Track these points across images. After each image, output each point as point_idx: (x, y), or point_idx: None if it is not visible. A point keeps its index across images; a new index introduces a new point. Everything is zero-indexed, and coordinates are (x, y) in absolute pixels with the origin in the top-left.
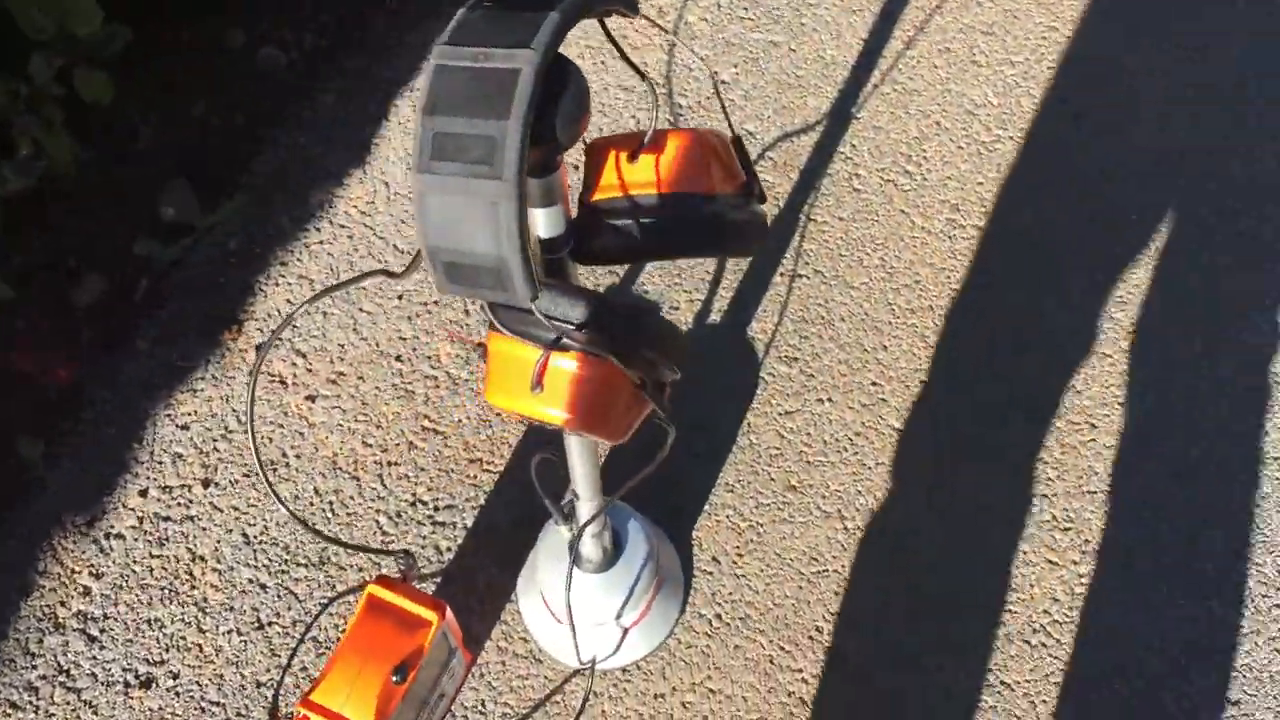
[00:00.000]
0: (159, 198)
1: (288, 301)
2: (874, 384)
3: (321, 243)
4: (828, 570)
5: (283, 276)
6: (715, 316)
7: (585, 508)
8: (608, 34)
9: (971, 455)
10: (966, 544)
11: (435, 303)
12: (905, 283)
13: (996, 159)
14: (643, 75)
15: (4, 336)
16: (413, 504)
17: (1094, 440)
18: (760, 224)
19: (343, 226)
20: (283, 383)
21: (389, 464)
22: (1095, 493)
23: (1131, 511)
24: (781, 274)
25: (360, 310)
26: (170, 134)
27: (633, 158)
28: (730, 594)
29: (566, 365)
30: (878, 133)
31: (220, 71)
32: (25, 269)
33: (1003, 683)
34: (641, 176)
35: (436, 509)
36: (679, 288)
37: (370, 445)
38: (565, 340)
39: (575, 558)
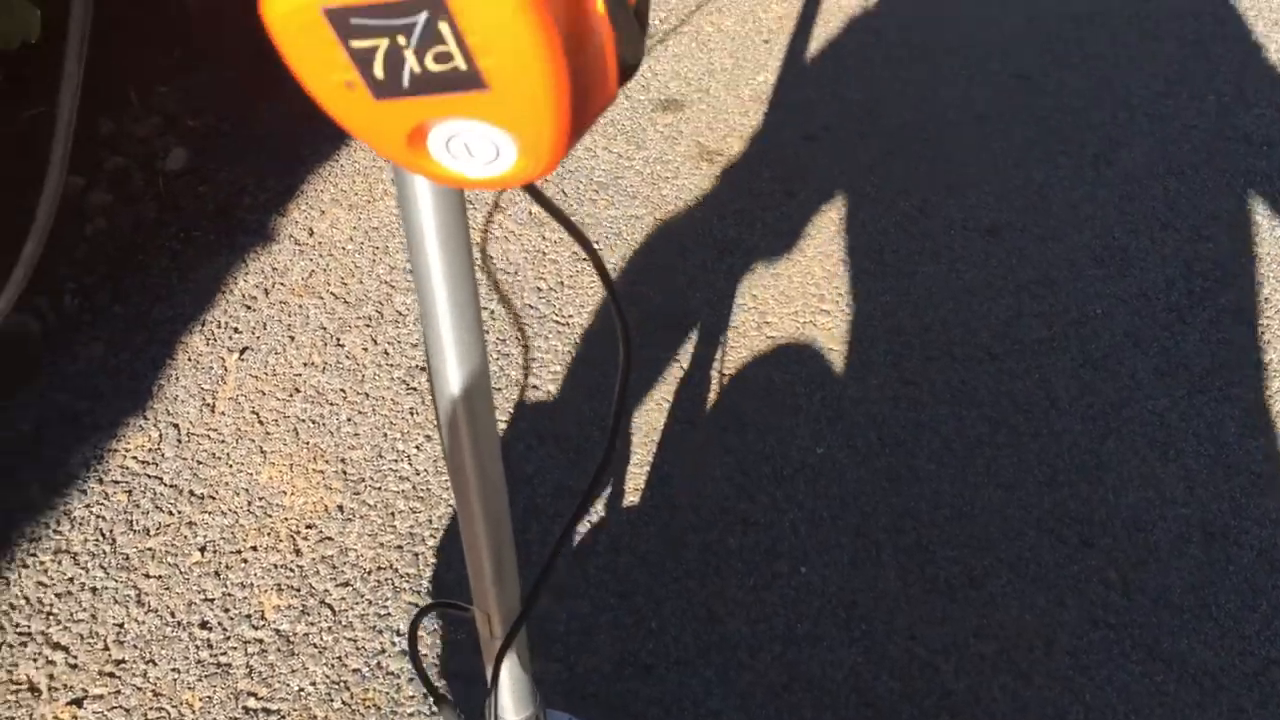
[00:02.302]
0: None
1: (39, 584)
2: None
3: (88, 506)
4: None
5: (32, 555)
6: (634, 497)
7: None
8: None
9: None
10: None
11: (253, 549)
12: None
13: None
14: None
15: None
16: None
17: None
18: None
19: (117, 482)
20: (33, 690)
21: None
22: None
23: None
24: (685, 430)
25: (145, 576)
26: None
27: None
28: None
29: None
30: (776, 279)
31: None
32: None
33: None
34: None
35: None
36: (578, 469)
37: None
38: None
39: None
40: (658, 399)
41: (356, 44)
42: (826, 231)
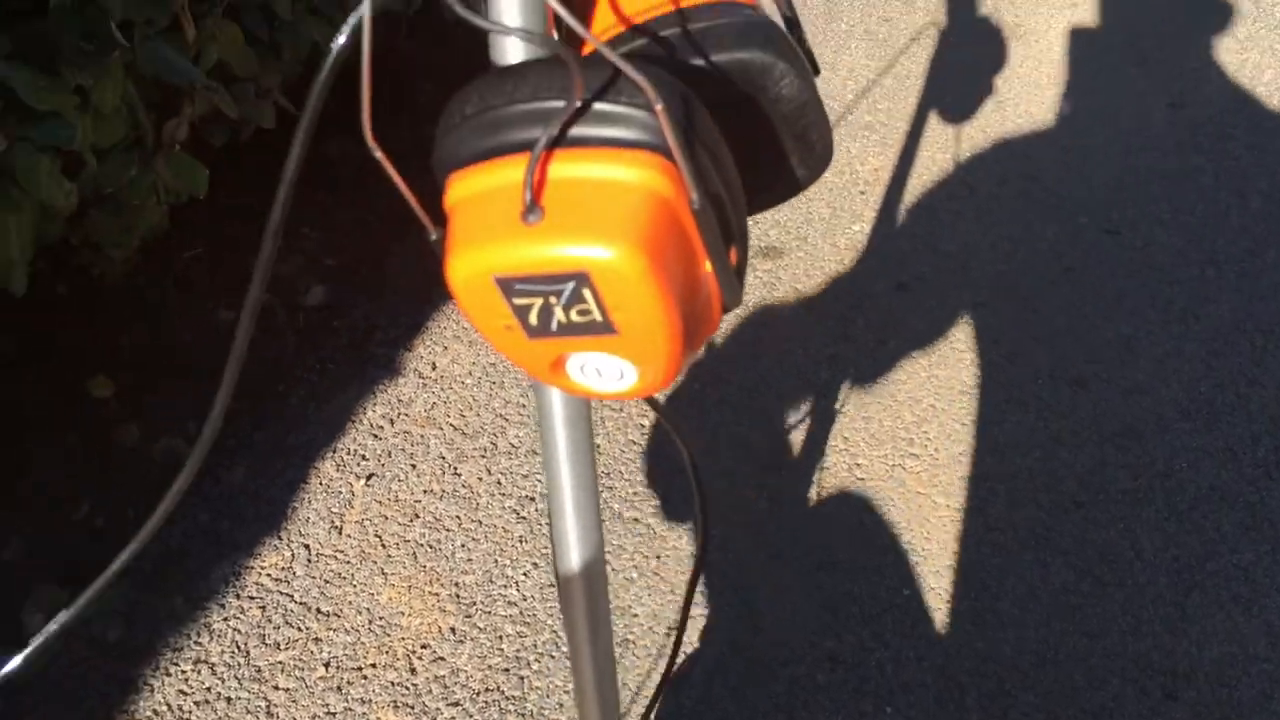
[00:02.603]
0: (23, 605)
1: (180, 692)
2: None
3: (226, 619)
4: None
5: (174, 665)
6: (727, 631)
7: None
8: None
9: None
10: None
11: (372, 666)
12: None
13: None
14: None
15: None
16: None
17: None
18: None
19: (253, 598)
20: None
21: None
22: None
23: None
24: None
25: (275, 688)
26: (45, 542)
27: None
28: None
29: (587, 169)
30: (868, 423)
31: (108, 470)
32: None
33: None
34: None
35: None
36: (672, 602)
37: None
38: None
39: None
40: (751, 534)
41: (518, 301)
42: (917, 378)
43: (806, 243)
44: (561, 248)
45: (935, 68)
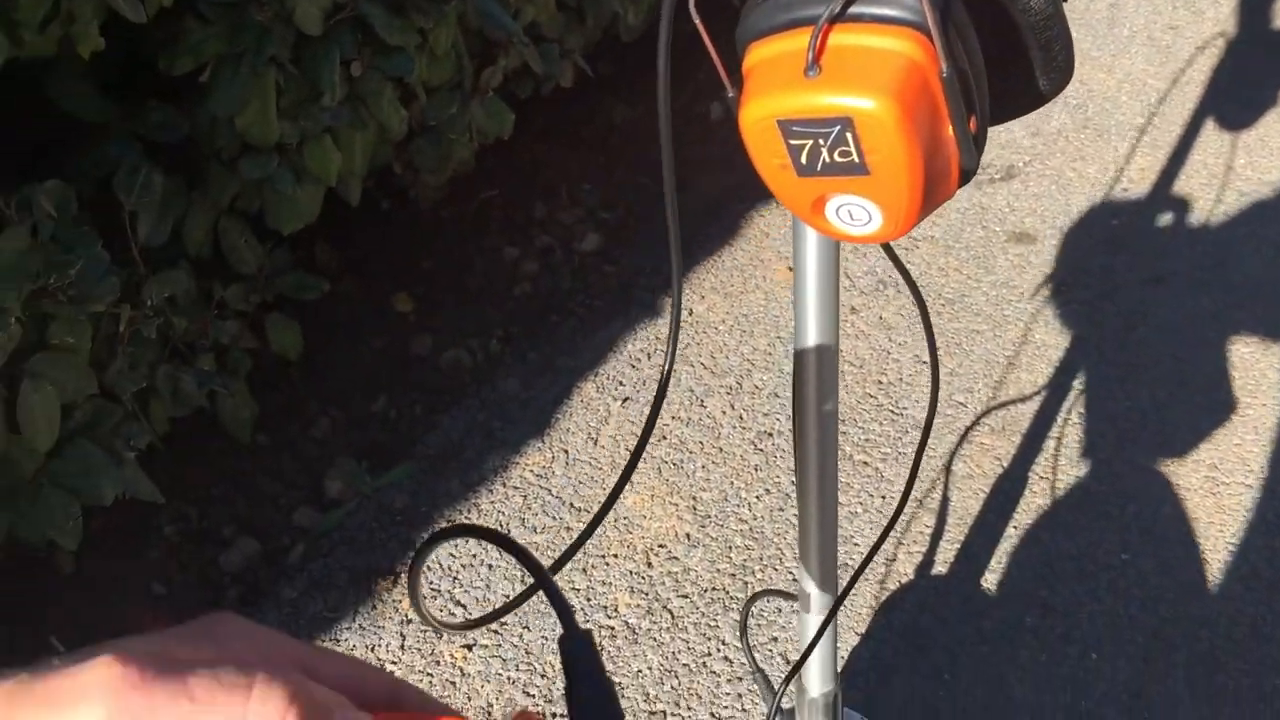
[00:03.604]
0: (326, 473)
1: (450, 555)
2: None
3: (493, 503)
4: None
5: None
6: (942, 568)
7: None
8: None
9: None
10: None
11: (614, 556)
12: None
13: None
14: None
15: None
16: None
17: None
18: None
19: (516, 488)
20: (437, 631)
21: (554, 715)
22: None
23: None
24: (1014, 526)
25: None
26: (348, 425)
27: None
28: None
29: (858, 39)
30: (1103, 401)
31: (405, 372)
32: (177, 537)
33: None
34: None
35: None
36: (894, 539)
37: (532, 695)
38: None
39: None
40: (977, 489)
41: (793, 142)
42: (1162, 365)
43: (1061, 232)
44: (833, 97)
45: (1218, 76)
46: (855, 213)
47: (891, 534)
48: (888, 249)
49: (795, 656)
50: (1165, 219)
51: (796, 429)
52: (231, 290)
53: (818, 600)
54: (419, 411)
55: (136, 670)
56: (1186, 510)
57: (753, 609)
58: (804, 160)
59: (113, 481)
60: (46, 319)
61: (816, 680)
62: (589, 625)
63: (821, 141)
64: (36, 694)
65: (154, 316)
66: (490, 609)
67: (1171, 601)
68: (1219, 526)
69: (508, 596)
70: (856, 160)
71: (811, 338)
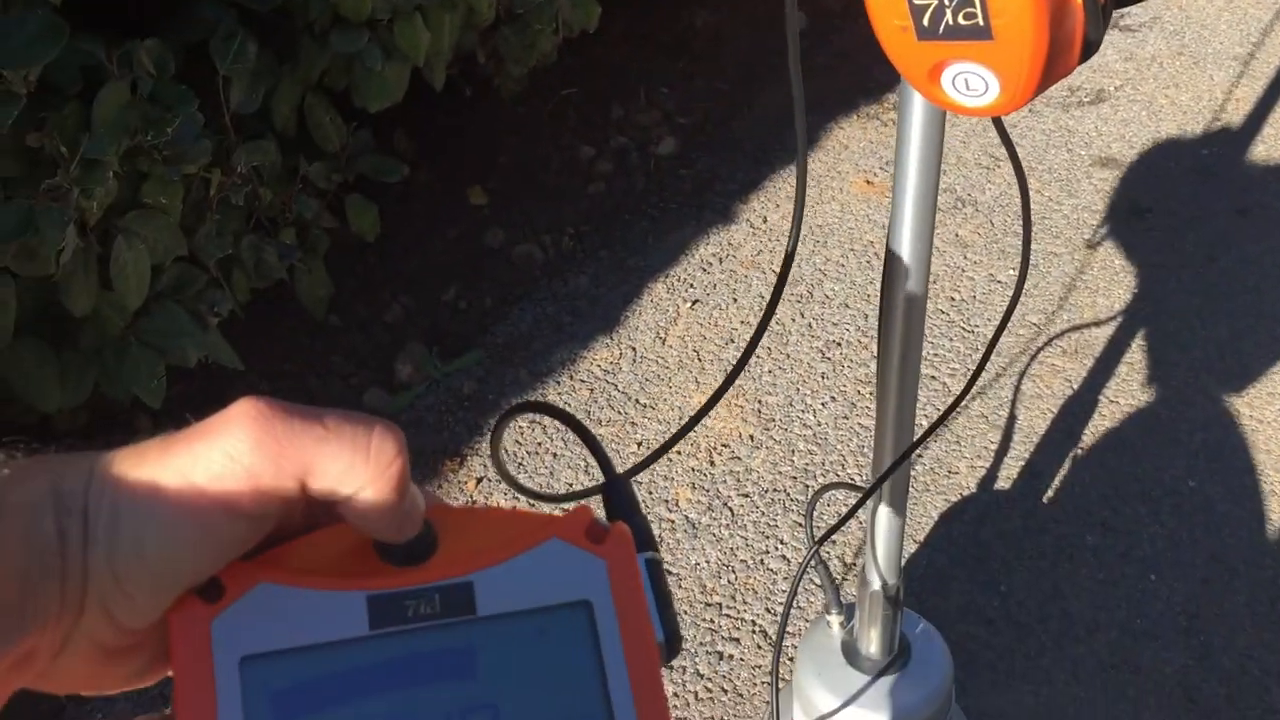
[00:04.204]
0: (396, 356)
1: (516, 442)
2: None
3: (560, 394)
4: None
5: (511, 427)
6: (1004, 484)
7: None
8: None
9: None
10: None
11: (677, 453)
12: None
13: None
14: None
15: None
16: None
17: None
18: None
19: (583, 381)
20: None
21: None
22: None
23: None
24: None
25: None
26: (419, 312)
27: None
28: None
29: None
30: (1179, 331)
31: (477, 264)
32: None
33: None
34: None
35: None
36: (958, 453)
37: None
38: None
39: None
40: (1045, 408)
41: (917, 2)
42: (1243, 296)
43: (1147, 159)
44: None
45: None
46: (972, 81)
47: (956, 447)
48: (998, 124)
49: (854, 560)
50: (1257, 151)
51: (882, 314)
52: (315, 167)
53: (887, 490)
54: (489, 303)
55: (275, 404)
56: (1258, 442)
57: (816, 508)
58: (926, 22)
59: (196, 344)
60: (141, 178)
61: (880, 572)
62: (650, 519)
63: (947, 3)
64: (186, 434)
65: (242, 184)
66: (542, 488)
67: (1235, 529)
68: None
69: (570, 485)
70: (981, 23)
71: (908, 222)
